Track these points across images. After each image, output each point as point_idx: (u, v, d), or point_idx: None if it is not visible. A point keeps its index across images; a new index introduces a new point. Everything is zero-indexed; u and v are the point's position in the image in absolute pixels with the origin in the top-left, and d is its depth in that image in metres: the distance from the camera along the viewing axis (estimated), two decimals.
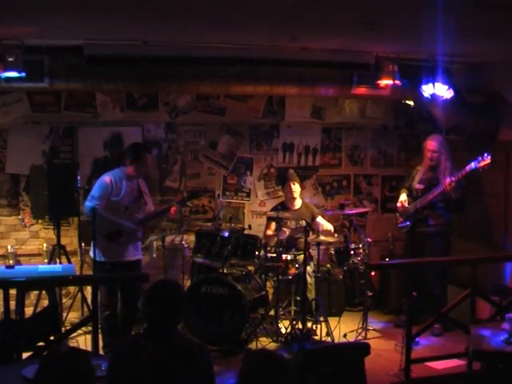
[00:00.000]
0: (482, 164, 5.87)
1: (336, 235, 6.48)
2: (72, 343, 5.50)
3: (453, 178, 6.02)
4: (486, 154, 5.87)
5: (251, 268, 6.37)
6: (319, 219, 6.63)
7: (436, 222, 6.33)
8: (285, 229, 6.38)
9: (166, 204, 6.38)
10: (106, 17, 4.40)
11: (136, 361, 2.88)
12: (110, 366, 2.90)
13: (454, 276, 6.50)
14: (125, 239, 5.50)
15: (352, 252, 6.31)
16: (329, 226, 6.55)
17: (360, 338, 6.06)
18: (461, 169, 6.04)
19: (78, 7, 4.01)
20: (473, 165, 5.91)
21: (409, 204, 6.44)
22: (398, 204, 6.50)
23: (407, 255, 6.53)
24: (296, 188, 6.62)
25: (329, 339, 5.89)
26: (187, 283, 6.34)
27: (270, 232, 6.58)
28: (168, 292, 3.04)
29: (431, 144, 6.30)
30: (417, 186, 6.44)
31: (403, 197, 6.50)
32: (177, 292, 3.09)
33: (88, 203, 5.45)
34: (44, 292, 5.79)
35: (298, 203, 6.68)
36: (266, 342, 5.90)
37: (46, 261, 6.32)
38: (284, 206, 6.61)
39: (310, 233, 6.25)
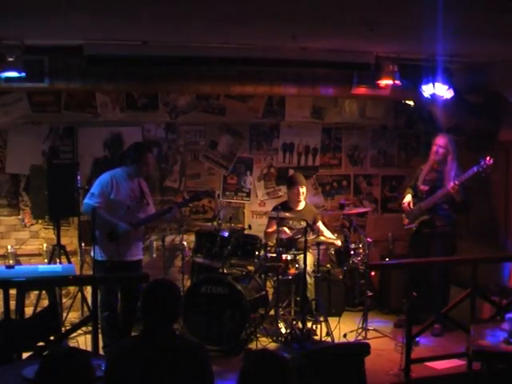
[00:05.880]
0: (485, 168, 5.87)
1: (336, 235, 6.49)
2: (72, 343, 5.50)
3: (456, 182, 6.00)
4: (488, 158, 5.87)
5: (251, 268, 6.37)
6: (320, 225, 6.63)
7: (441, 223, 6.30)
8: (286, 229, 6.38)
9: (166, 205, 6.37)
10: (106, 17, 4.40)
11: (134, 362, 2.89)
12: (107, 367, 2.90)
13: (455, 276, 6.49)
14: (126, 238, 5.49)
15: (352, 252, 6.30)
16: (330, 235, 6.56)
17: (360, 338, 6.05)
18: (464, 172, 6.03)
19: (78, 7, 4.01)
20: (475, 169, 5.90)
21: (414, 205, 6.43)
22: (404, 205, 6.49)
23: (411, 256, 6.45)
24: (304, 191, 6.59)
25: (329, 339, 5.88)
26: (187, 283, 6.34)
27: (271, 230, 6.57)
28: (163, 291, 3.04)
29: (440, 139, 6.26)
30: (421, 187, 6.40)
31: (408, 197, 6.48)
32: (172, 291, 3.08)
33: (87, 201, 5.44)
34: (44, 292, 5.80)
35: (302, 204, 6.67)
36: (266, 342, 5.90)
37: (45, 261, 6.31)
38: (286, 206, 6.58)
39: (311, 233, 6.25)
